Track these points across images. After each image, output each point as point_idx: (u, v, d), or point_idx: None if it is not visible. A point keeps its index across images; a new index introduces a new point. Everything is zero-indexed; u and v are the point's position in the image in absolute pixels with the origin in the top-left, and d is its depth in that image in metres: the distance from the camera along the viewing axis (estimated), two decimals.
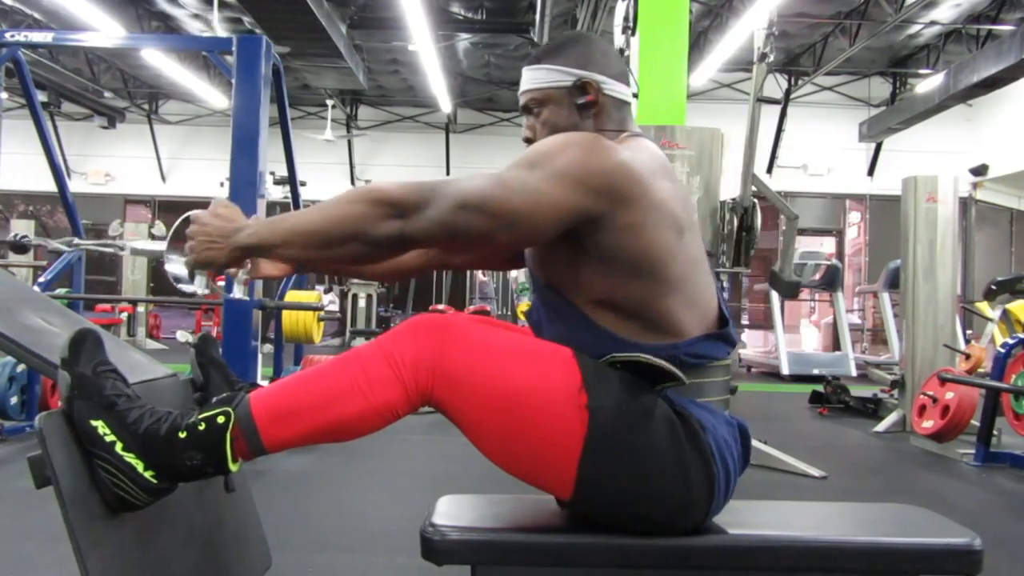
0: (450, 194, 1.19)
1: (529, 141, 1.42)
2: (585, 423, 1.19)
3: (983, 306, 6.75)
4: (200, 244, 1.27)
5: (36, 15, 9.78)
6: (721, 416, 1.29)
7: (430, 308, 10.14)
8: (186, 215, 1.33)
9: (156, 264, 11.02)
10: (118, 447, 1.20)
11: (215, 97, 11.91)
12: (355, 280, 10.41)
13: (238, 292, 1.49)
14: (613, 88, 1.39)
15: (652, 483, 1.20)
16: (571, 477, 1.20)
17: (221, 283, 3.37)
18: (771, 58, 4.29)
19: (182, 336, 5.05)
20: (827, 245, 12.54)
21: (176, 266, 1.35)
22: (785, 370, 8.43)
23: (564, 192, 1.20)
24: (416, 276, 1.69)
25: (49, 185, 4.47)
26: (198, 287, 1.38)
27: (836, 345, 9.73)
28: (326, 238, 1.22)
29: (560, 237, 1.24)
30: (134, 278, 11.09)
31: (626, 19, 4.60)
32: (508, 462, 1.25)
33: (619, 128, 1.39)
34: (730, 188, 4.21)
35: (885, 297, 7.75)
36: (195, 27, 10.45)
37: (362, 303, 10.89)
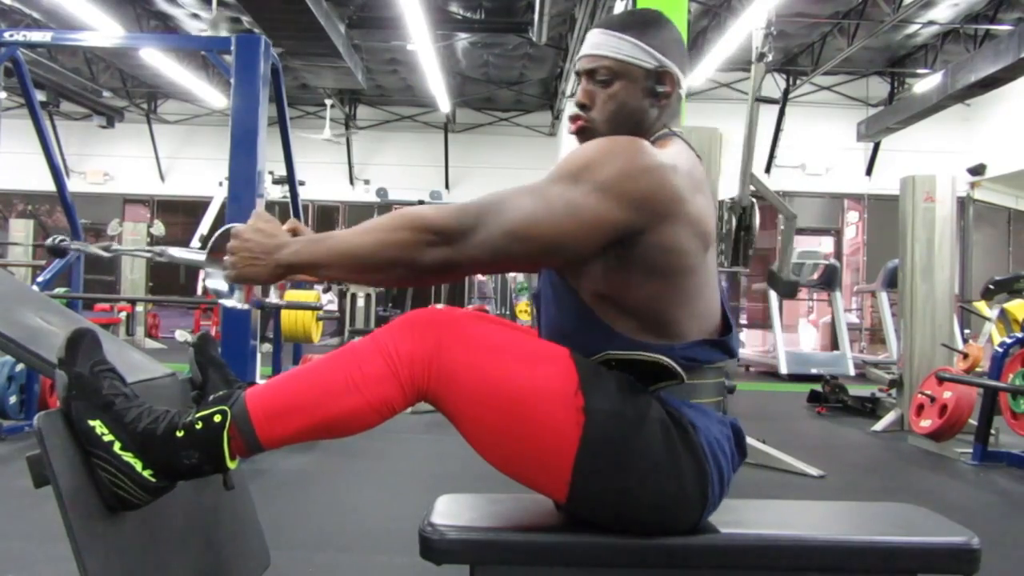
0: (496, 220, 1.18)
1: (583, 107, 1.36)
2: (581, 425, 1.18)
3: (981, 305, 6.76)
4: (242, 260, 1.25)
5: (35, 15, 9.78)
6: (713, 416, 1.28)
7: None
8: (226, 228, 1.30)
9: (155, 264, 11.02)
10: (116, 446, 1.20)
11: (214, 97, 11.89)
12: None
13: (274, 298, 1.51)
14: (681, 87, 1.37)
15: (646, 485, 1.20)
16: (566, 479, 1.20)
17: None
18: (769, 58, 4.31)
19: (181, 335, 5.06)
20: (825, 244, 12.52)
21: (216, 281, 1.34)
22: (783, 369, 8.43)
23: (608, 207, 1.19)
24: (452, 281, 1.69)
25: (48, 184, 4.47)
26: (236, 301, 1.37)
27: (834, 344, 9.73)
28: (370, 263, 1.21)
29: None
30: (132, 277, 11.08)
31: None
32: (503, 461, 1.25)
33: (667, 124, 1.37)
34: (729, 188, 4.21)
35: (883, 296, 7.76)
36: (194, 26, 10.44)
37: (361, 302, 10.87)
